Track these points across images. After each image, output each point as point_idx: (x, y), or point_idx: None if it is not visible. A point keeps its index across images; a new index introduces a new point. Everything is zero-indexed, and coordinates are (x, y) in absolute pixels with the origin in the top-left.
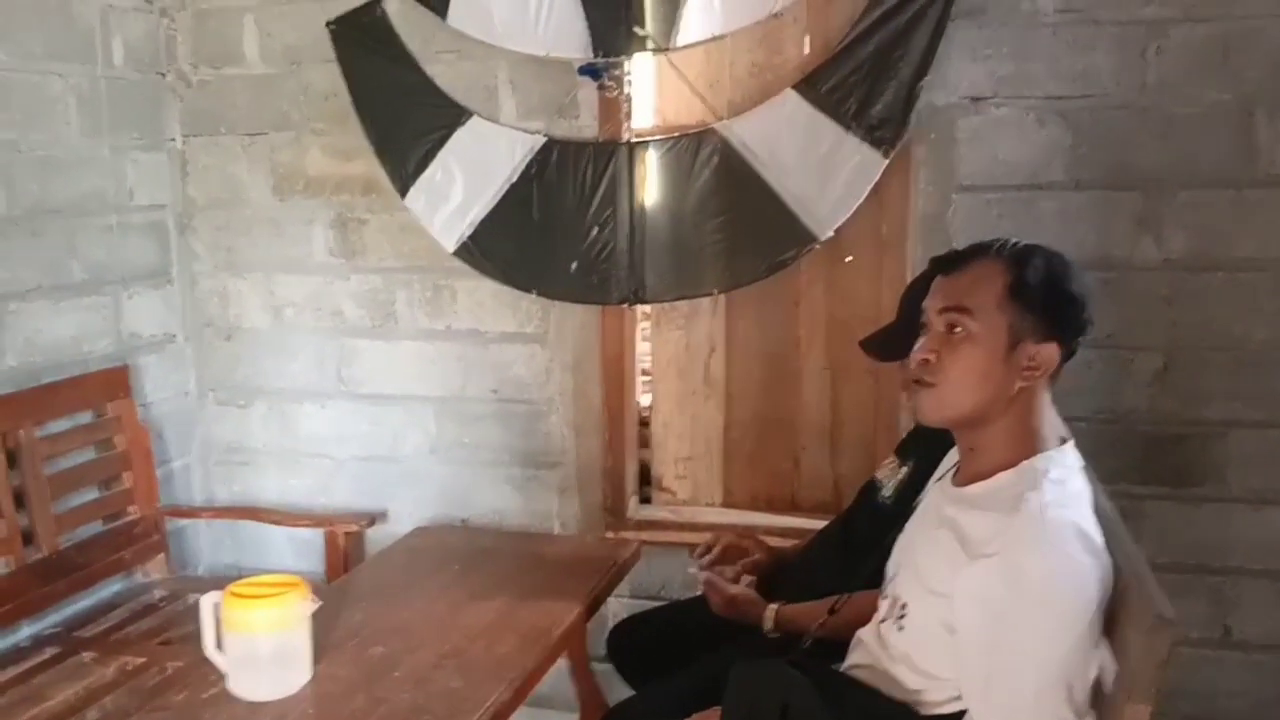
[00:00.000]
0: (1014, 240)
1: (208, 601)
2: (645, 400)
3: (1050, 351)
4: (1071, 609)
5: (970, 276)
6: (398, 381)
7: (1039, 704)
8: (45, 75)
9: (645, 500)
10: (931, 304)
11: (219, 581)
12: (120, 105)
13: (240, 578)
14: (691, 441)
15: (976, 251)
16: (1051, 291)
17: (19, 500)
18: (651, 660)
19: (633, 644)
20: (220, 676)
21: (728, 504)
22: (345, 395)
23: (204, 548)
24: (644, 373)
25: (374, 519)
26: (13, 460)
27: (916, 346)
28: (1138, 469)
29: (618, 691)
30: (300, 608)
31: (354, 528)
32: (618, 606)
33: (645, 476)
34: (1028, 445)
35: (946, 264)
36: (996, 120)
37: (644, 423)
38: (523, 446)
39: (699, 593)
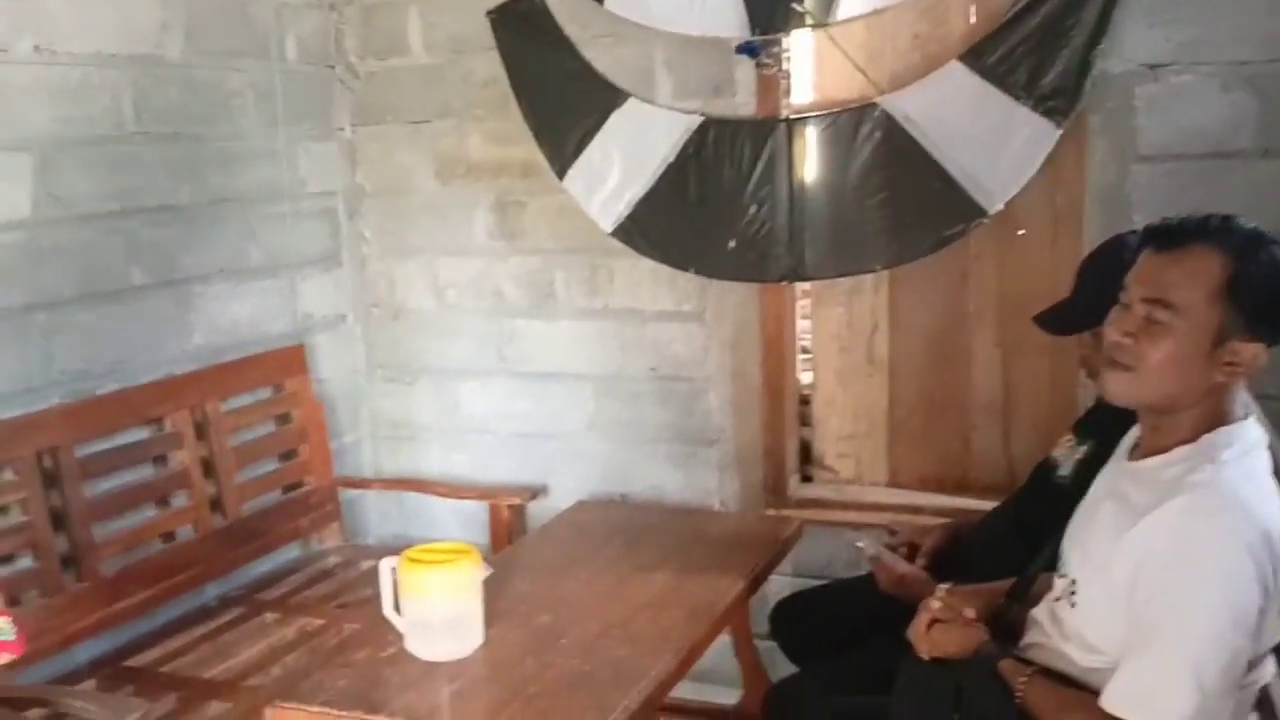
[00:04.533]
0: (1238, 221)
1: (386, 566)
2: (805, 378)
3: (1256, 351)
4: (1228, 591)
5: (1185, 266)
6: (557, 360)
7: (1174, 671)
8: (225, 71)
9: (806, 479)
10: (1136, 285)
11: (389, 550)
12: (293, 98)
13: (408, 546)
14: (854, 419)
15: (1198, 232)
16: (1272, 292)
17: (206, 470)
18: (814, 638)
19: (796, 621)
20: (398, 637)
21: (893, 483)
22: (506, 373)
23: (372, 518)
24: (803, 350)
25: (536, 493)
26: (200, 433)
27: (1111, 319)
28: None
29: (779, 668)
30: (473, 574)
31: (517, 501)
32: (779, 584)
33: (806, 455)
34: (1210, 422)
35: (1162, 240)
36: (1177, 87)
37: (804, 401)
38: (681, 424)
39: (862, 572)
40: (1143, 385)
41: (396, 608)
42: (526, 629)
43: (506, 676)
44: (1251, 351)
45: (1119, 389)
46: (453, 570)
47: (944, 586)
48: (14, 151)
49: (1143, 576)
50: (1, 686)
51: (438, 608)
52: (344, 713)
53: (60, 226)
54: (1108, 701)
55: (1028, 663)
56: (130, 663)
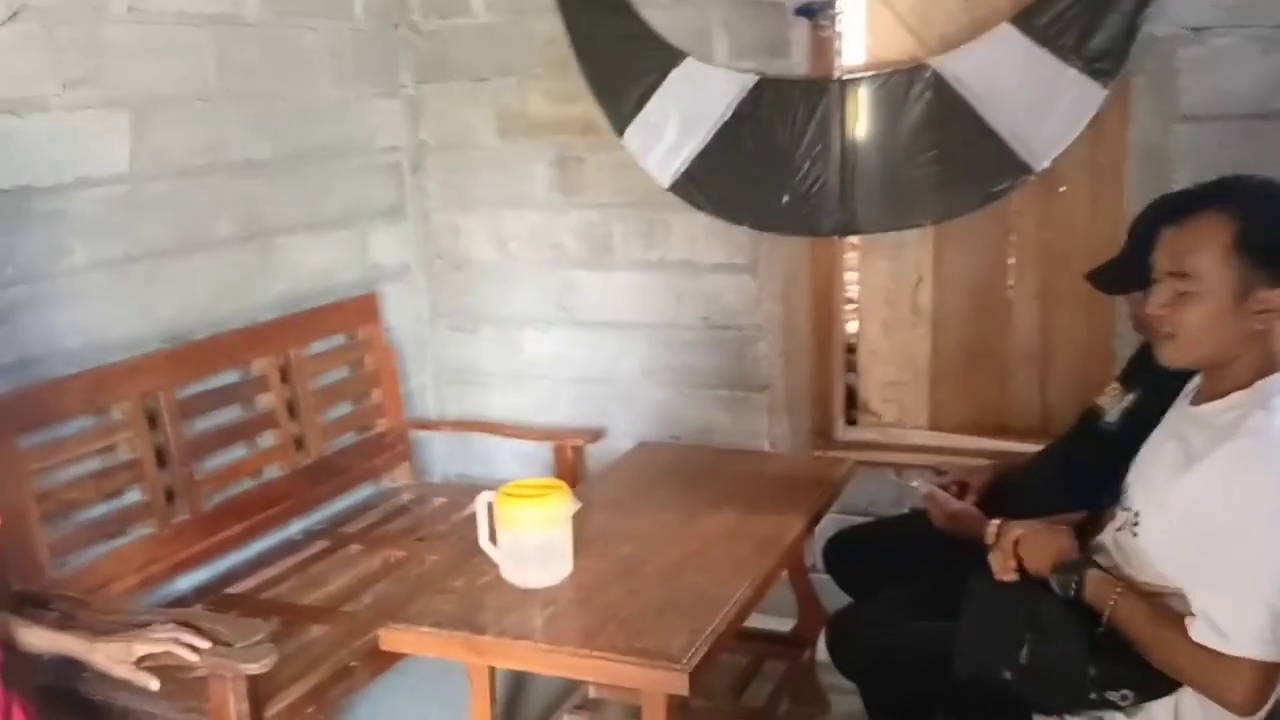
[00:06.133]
0: (1241, 179)
1: (483, 500)
2: (852, 327)
3: None
4: None
5: (1194, 235)
6: (613, 309)
7: (1243, 610)
8: (300, 30)
9: (851, 422)
10: (1158, 261)
11: (458, 488)
12: (362, 56)
13: (473, 486)
14: (898, 367)
15: (1200, 200)
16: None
17: (290, 412)
18: (867, 571)
19: (849, 555)
20: (491, 567)
21: (934, 427)
22: (565, 322)
23: (437, 459)
24: (850, 301)
25: (597, 435)
26: (284, 377)
27: (1151, 294)
28: None
29: (830, 600)
30: (565, 507)
31: (580, 442)
32: (825, 521)
33: (852, 400)
34: (1265, 367)
35: (1170, 214)
36: (1219, 50)
37: (850, 349)
38: (732, 371)
39: (907, 510)
40: (1186, 349)
41: (492, 539)
42: (609, 559)
43: (598, 601)
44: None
45: (1168, 355)
46: (546, 503)
47: (995, 522)
48: (114, 108)
49: (1201, 518)
50: (132, 611)
51: (532, 538)
52: (452, 632)
53: (156, 180)
54: (1193, 633)
55: (1115, 578)
56: (230, 591)
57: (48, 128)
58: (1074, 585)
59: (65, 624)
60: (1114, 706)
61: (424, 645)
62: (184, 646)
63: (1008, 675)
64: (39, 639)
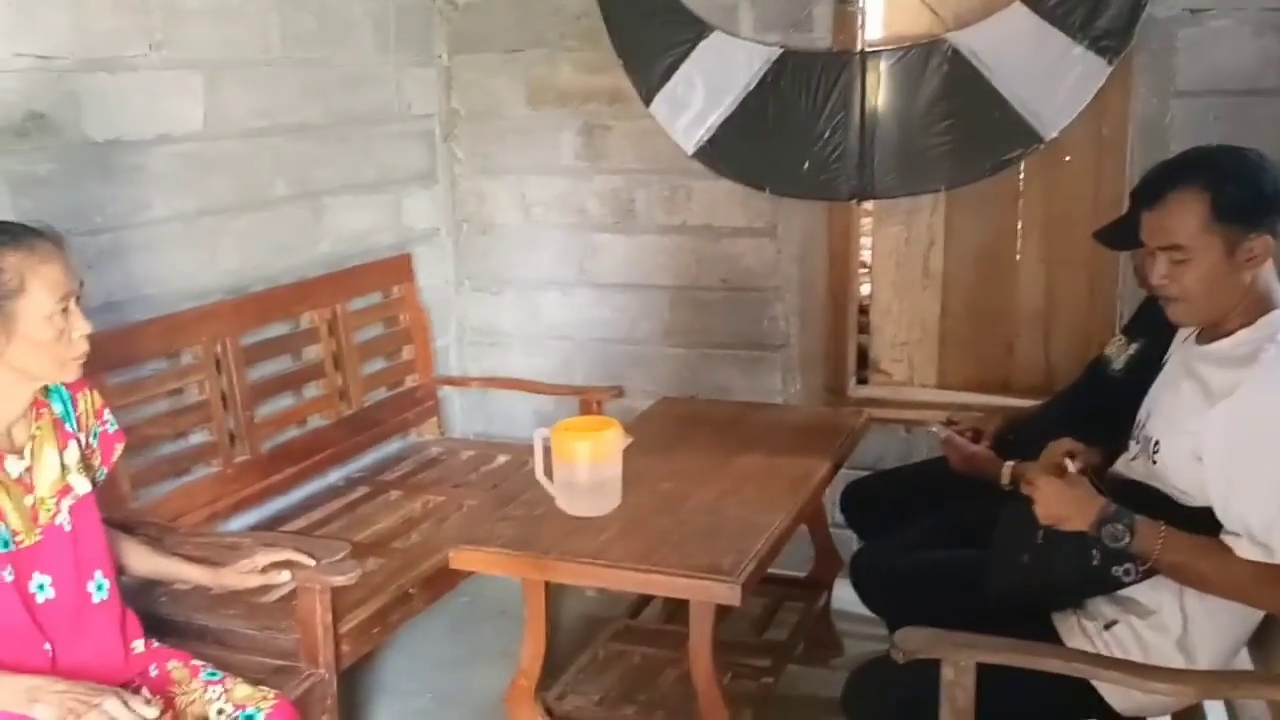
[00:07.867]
0: (1203, 154)
1: (539, 436)
2: (865, 289)
3: (1264, 243)
4: None
5: (1173, 212)
6: (635, 272)
7: (1271, 520)
8: (349, 0)
9: (862, 381)
10: (1148, 239)
11: (484, 443)
12: (401, 26)
13: (493, 441)
14: (908, 327)
15: (1171, 179)
16: (1252, 202)
17: (335, 364)
18: (883, 516)
19: (865, 502)
20: (544, 501)
21: (941, 385)
22: (586, 284)
23: (457, 416)
24: (863, 264)
25: (619, 392)
26: (330, 331)
27: (1148, 268)
28: None
29: (845, 553)
30: (619, 441)
31: (604, 398)
32: (838, 477)
33: (863, 360)
34: (1262, 305)
35: (1147, 200)
36: (1215, 31)
37: (863, 310)
38: (749, 331)
39: (915, 459)
40: (1195, 307)
41: (547, 473)
42: (653, 495)
43: (648, 528)
44: (1262, 244)
45: (1179, 316)
46: (602, 437)
47: (1010, 463)
48: (188, 70)
49: (1230, 445)
50: (220, 534)
51: (587, 470)
52: (519, 552)
53: (223, 140)
54: (1239, 550)
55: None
56: (284, 530)
57: (136, 85)
58: (1127, 534)
59: (158, 550)
60: (1118, 583)
61: (493, 564)
62: (303, 554)
63: (1026, 559)
64: (158, 565)
